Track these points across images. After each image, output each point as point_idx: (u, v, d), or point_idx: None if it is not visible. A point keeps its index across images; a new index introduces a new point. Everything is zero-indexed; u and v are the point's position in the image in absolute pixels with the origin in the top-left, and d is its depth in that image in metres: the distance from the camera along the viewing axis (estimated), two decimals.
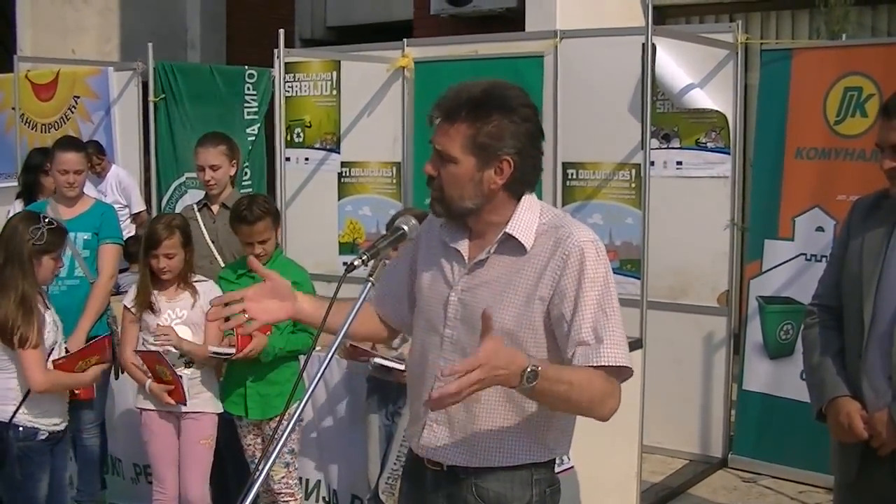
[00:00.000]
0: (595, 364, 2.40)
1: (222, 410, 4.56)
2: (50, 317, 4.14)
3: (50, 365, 4.09)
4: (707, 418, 6.03)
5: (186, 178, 7.46)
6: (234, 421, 4.66)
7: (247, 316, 2.57)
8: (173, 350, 4.35)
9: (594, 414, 2.45)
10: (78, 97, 8.09)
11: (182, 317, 4.44)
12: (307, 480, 4.86)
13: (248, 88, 7.45)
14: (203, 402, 4.47)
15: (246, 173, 7.34)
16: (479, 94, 2.44)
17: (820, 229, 5.55)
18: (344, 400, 4.83)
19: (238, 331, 2.61)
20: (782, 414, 5.65)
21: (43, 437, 4.08)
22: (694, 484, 5.73)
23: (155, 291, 4.45)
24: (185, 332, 4.40)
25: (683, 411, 6.05)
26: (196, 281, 4.52)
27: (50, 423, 4.11)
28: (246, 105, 7.42)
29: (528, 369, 2.24)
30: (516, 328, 2.48)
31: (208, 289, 4.51)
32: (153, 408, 4.45)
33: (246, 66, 7.63)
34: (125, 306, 4.49)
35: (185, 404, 4.38)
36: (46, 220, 4.19)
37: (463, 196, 2.48)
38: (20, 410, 4.04)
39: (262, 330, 4.10)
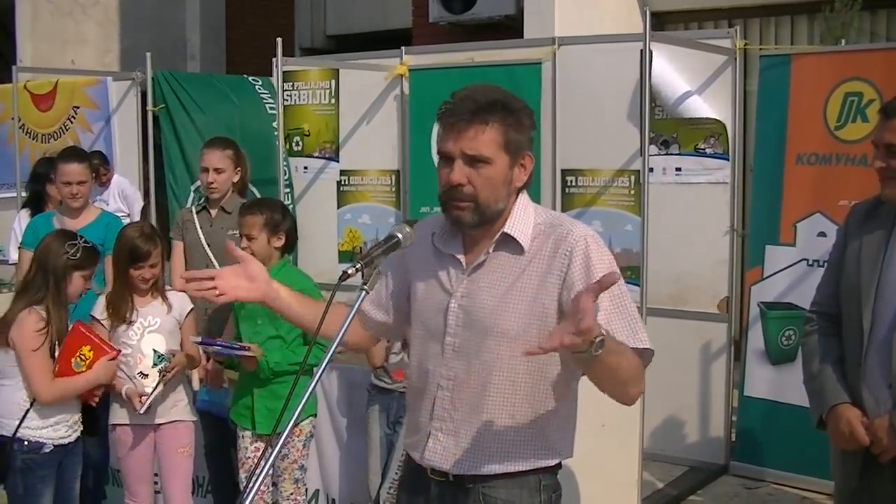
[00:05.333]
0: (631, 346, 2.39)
1: (196, 418, 4.54)
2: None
3: None
4: (708, 425, 6.00)
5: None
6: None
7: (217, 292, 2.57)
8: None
9: (626, 392, 2.43)
10: (77, 107, 8.08)
11: (155, 325, 4.35)
12: (307, 490, 4.84)
13: (260, 89, 7.42)
14: (179, 411, 4.43)
15: None
16: (500, 95, 2.48)
17: (822, 234, 5.53)
18: (345, 410, 4.82)
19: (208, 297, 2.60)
20: (784, 420, 5.63)
21: (48, 451, 4.07)
22: (695, 491, 5.70)
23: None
24: (158, 341, 4.34)
25: (684, 418, 6.03)
26: (168, 290, 4.47)
27: (57, 436, 4.09)
28: (267, 103, 7.34)
29: (598, 338, 2.18)
30: (522, 332, 2.46)
31: (181, 299, 4.47)
32: (126, 422, 4.37)
33: (245, 75, 7.62)
34: (94, 317, 4.38)
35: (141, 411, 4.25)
36: (83, 240, 4.19)
37: (497, 198, 2.49)
38: (24, 423, 4.02)
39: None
